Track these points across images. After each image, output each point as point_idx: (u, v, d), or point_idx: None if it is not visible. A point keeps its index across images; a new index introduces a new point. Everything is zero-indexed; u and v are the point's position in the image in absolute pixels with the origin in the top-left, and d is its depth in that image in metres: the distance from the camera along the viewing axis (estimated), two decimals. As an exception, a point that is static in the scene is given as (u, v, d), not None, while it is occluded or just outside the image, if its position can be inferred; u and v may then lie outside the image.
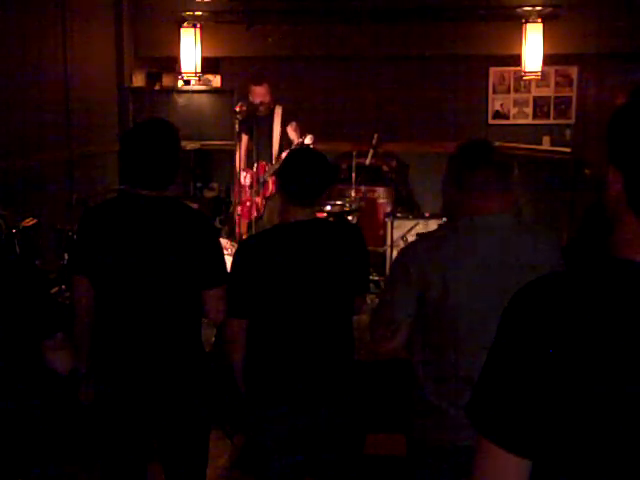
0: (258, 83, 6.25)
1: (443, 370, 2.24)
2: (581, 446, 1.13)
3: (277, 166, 6.05)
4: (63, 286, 4.95)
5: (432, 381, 2.27)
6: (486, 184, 2.24)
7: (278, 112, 6.30)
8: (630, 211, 1.14)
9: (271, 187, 6.29)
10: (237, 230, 6.39)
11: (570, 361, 1.12)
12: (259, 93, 6.22)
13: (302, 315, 2.63)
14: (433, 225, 6.09)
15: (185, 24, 7.41)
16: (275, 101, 6.33)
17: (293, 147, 5.94)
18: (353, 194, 6.40)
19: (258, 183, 6.24)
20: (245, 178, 6.33)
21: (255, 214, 6.13)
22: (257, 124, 6.22)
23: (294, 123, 6.26)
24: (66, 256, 5.00)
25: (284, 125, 6.28)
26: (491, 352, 1.22)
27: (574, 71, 7.86)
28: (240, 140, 6.38)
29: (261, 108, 6.18)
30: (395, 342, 2.28)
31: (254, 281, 2.62)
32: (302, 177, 2.65)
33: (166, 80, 8.26)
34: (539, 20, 7.18)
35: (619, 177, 1.15)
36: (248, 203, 6.23)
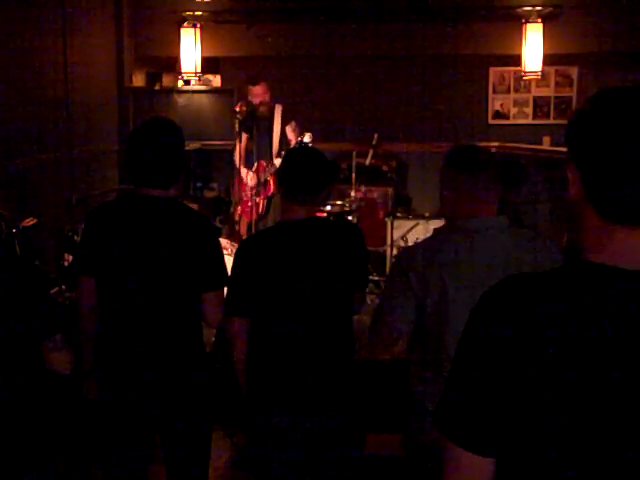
0: (255, 83, 6.24)
1: (439, 373, 2.24)
2: (544, 443, 1.15)
3: (277, 166, 6.05)
4: (63, 286, 4.95)
5: (428, 383, 2.27)
6: (482, 187, 2.24)
7: (278, 111, 6.30)
8: (591, 208, 1.17)
9: (272, 187, 6.28)
10: (237, 228, 6.39)
11: (529, 362, 1.14)
12: (257, 93, 6.21)
13: (303, 314, 2.63)
14: (433, 225, 6.09)
15: (185, 24, 7.41)
16: (275, 100, 6.33)
17: (292, 146, 5.94)
18: (353, 194, 6.39)
19: (259, 183, 6.24)
20: (250, 178, 6.31)
21: (256, 216, 6.12)
22: (257, 124, 6.22)
23: (293, 123, 6.25)
24: (66, 256, 5.00)
25: (284, 124, 6.28)
26: (456, 355, 1.25)
27: (574, 71, 7.85)
28: (239, 139, 6.38)
29: (261, 108, 6.17)
30: (395, 348, 2.29)
31: (255, 280, 2.62)
32: (302, 175, 2.66)
33: (166, 80, 8.25)
34: (539, 20, 7.18)
35: (577, 175, 1.18)
36: (250, 203, 6.23)
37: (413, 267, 2.25)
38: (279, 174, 2.82)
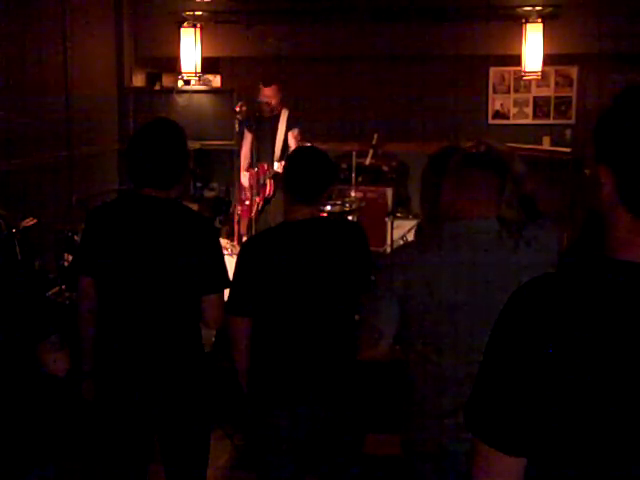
0: (267, 84, 6.22)
1: (428, 371, 2.23)
2: (578, 444, 1.14)
3: (277, 170, 6.06)
4: (63, 286, 4.94)
5: (421, 382, 2.27)
6: (471, 187, 2.21)
7: (284, 115, 6.27)
8: (623, 208, 1.16)
9: (269, 188, 6.27)
10: (237, 228, 6.39)
11: (564, 362, 1.13)
12: (267, 94, 6.19)
13: (306, 313, 2.64)
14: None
15: (185, 24, 7.41)
16: (282, 104, 6.30)
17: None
18: (353, 194, 6.39)
19: (258, 184, 6.23)
20: (246, 179, 6.32)
21: (254, 212, 6.12)
22: (259, 124, 6.20)
23: (296, 130, 6.22)
24: (66, 256, 5.00)
25: (288, 129, 6.25)
26: (485, 355, 1.24)
27: (574, 71, 7.85)
28: (243, 138, 6.36)
29: (266, 108, 6.15)
30: (378, 348, 2.29)
31: (259, 279, 2.62)
32: (306, 175, 2.67)
33: (166, 80, 8.25)
34: (539, 20, 7.18)
35: (610, 176, 1.16)
36: (247, 202, 6.23)
37: (398, 271, 2.23)
38: (283, 174, 2.82)
